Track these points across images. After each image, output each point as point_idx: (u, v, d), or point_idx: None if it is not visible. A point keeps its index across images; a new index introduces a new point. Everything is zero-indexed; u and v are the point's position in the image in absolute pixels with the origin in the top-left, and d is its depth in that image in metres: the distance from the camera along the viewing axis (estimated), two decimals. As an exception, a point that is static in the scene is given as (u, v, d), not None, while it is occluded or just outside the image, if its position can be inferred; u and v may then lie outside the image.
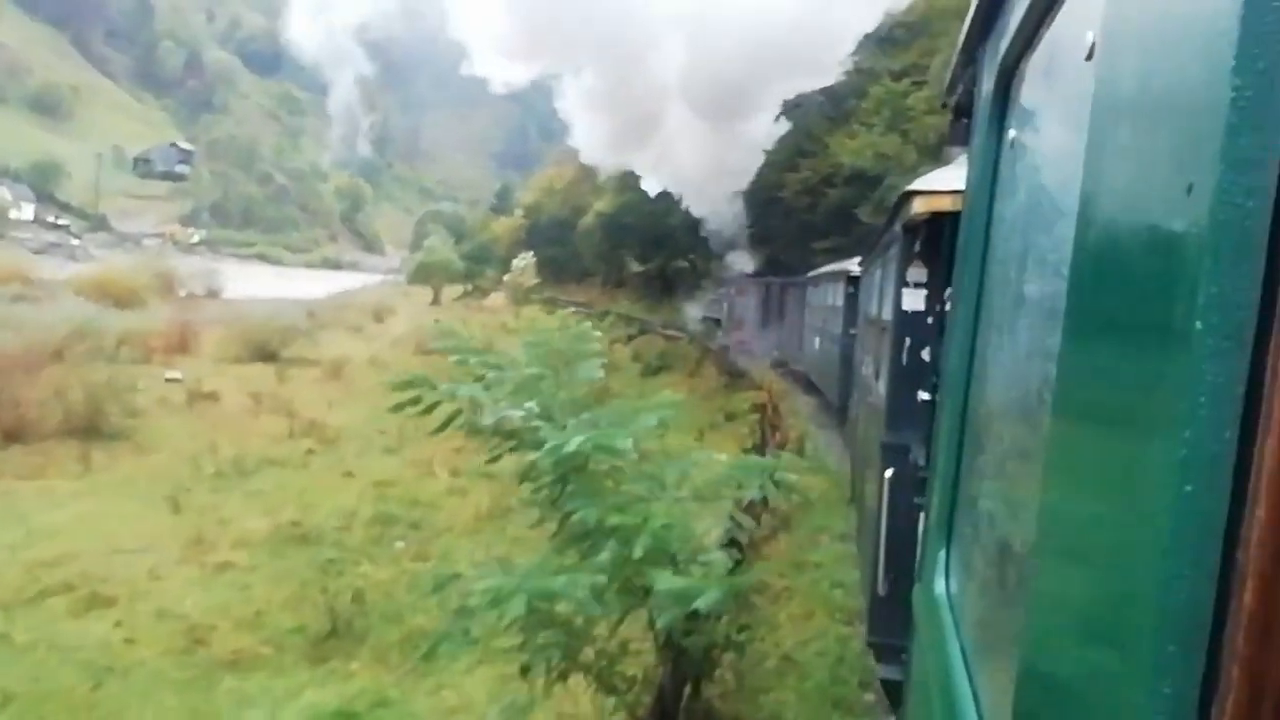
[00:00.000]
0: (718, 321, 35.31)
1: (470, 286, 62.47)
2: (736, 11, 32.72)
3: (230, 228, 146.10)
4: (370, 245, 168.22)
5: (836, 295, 15.61)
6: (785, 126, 32.73)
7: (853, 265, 13.93)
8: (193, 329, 27.43)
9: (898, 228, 5.95)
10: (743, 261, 35.22)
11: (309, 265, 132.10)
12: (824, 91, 31.47)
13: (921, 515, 3.47)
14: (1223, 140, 0.69)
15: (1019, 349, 1.55)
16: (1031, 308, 1.46)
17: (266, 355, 26.63)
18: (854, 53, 30.57)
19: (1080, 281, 1.07)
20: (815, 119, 31.76)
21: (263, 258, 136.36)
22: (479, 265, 76.89)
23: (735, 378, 24.58)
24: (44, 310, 26.61)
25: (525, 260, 48.54)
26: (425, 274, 70.04)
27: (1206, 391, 0.70)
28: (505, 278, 49.58)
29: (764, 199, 32.99)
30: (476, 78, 46.28)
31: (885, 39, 30.61)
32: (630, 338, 40.33)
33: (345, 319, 43.89)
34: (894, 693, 5.29)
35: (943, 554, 2.06)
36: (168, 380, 21.00)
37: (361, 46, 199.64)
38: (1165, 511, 0.73)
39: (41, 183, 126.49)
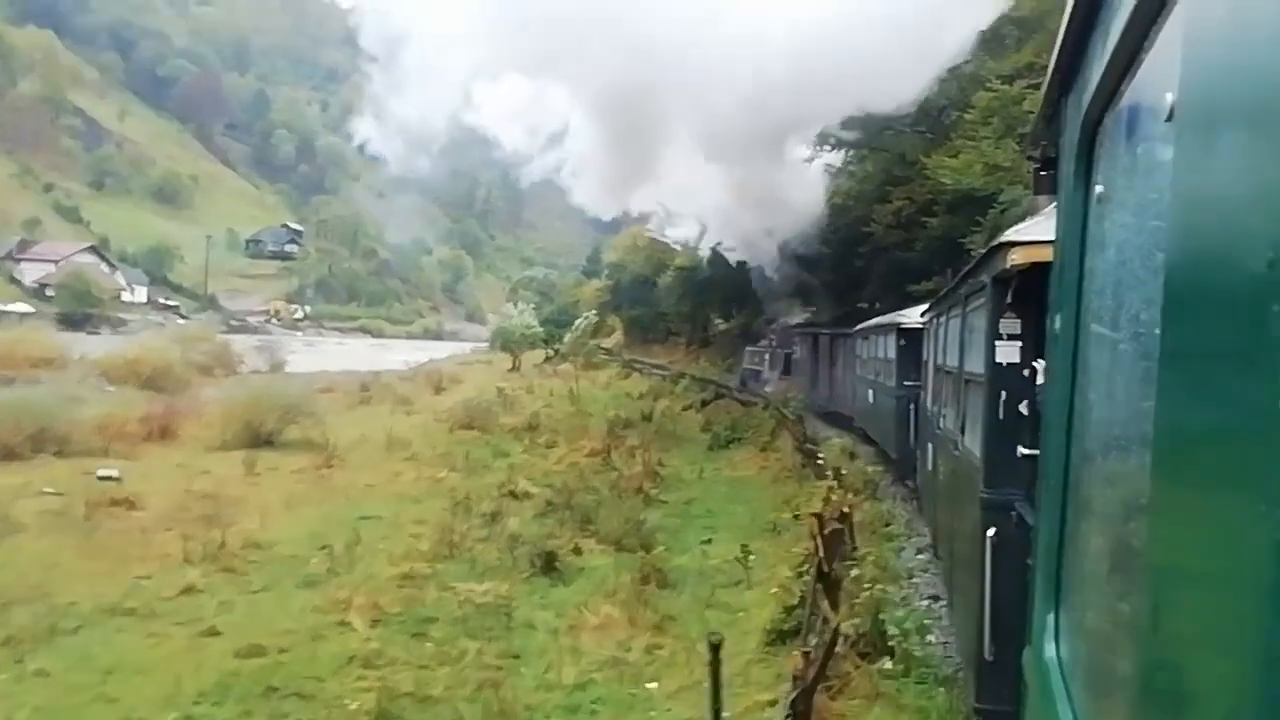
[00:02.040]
0: (757, 373, 35.39)
1: (551, 351, 58.82)
2: (790, 39, 28.18)
3: (335, 302, 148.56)
4: (471, 315, 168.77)
5: (888, 347, 15.02)
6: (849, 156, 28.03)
7: (904, 317, 13.80)
8: (182, 413, 23.88)
9: (985, 278, 5.75)
10: (824, 310, 30.10)
11: (410, 335, 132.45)
12: (918, 107, 26.41)
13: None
14: None
15: (1117, 407, 1.54)
16: (1126, 365, 1.47)
17: (259, 440, 22.74)
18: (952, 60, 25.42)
19: (1170, 350, 1.07)
20: (908, 140, 26.66)
21: (365, 330, 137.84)
22: (561, 329, 73.89)
23: (810, 455, 19.36)
24: (29, 392, 23.59)
25: (587, 320, 44.30)
26: (504, 340, 67.17)
27: None
28: (566, 339, 45.25)
29: (847, 237, 27.88)
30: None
31: (991, 39, 25.38)
32: (705, 403, 35.40)
33: (398, 391, 40.33)
34: None
35: (1051, 616, 2.02)
36: (100, 479, 17.19)
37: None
38: (1265, 591, 0.71)
39: (156, 267, 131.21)
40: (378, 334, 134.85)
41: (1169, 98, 1.10)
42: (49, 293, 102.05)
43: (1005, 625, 4.81)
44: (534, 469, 23.18)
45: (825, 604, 7.12)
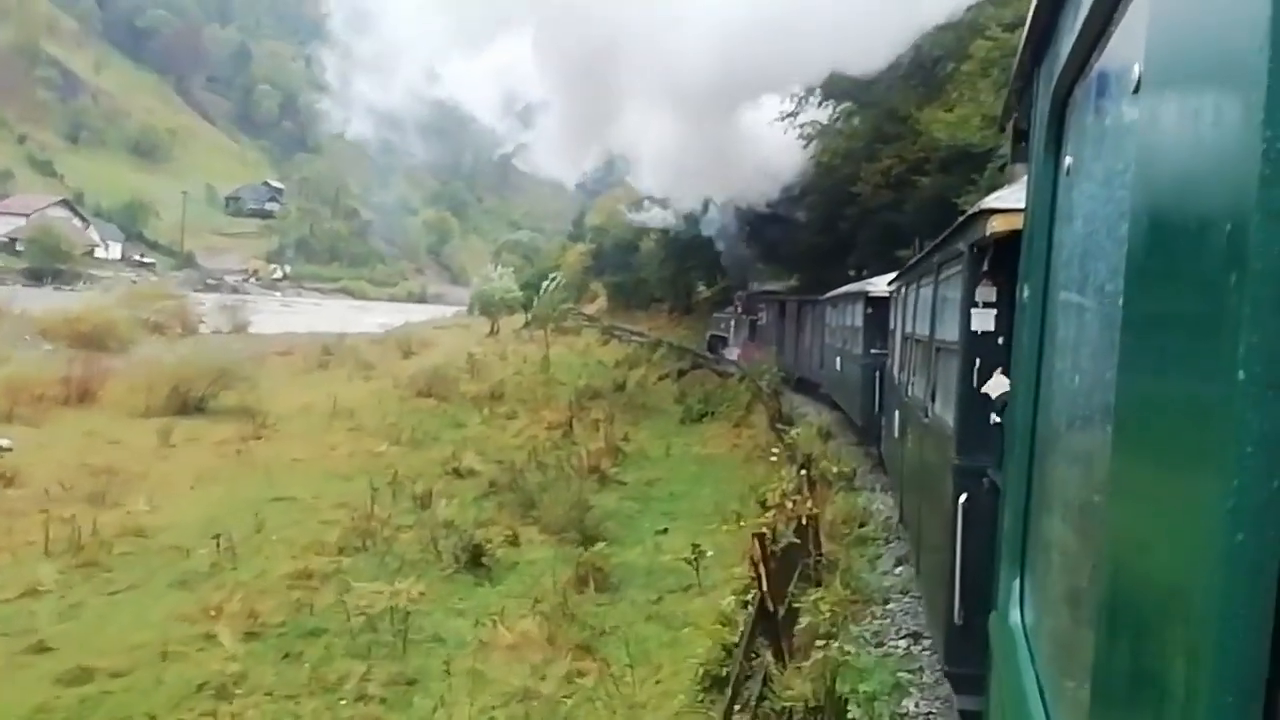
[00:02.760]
0: (724, 339, 35.48)
1: (530, 316, 56.91)
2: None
3: (316, 263, 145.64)
4: (456, 278, 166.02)
5: (856, 315, 15.02)
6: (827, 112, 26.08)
7: (872, 285, 13.85)
8: (109, 376, 21.92)
9: (961, 245, 5.78)
10: (808, 277, 28.26)
11: (393, 298, 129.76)
12: (911, 59, 24.37)
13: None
14: (1258, 191, 0.69)
15: (1083, 375, 1.55)
16: (1092, 335, 1.49)
17: (188, 406, 20.85)
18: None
19: (1133, 319, 1.09)
20: (899, 94, 24.64)
21: (346, 292, 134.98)
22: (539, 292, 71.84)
23: (784, 429, 17.60)
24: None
25: (554, 283, 42.23)
26: (483, 304, 65.11)
27: (1253, 440, 0.70)
28: (534, 304, 43.26)
29: (833, 199, 25.96)
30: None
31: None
32: (681, 373, 33.63)
33: (363, 355, 38.35)
34: None
35: (1017, 583, 2.04)
36: (-16, 449, 15.32)
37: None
38: (1218, 560, 0.73)
39: (131, 223, 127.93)
40: (359, 296, 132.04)
41: (1136, 69, 1.13)
42: (19, 247, 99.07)
43: (975, 590, 4.86)
44: (488, 443, 21.41)
45: (769, 654, 5.37)
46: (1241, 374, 0.70)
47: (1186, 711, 0.79)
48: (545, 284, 41.41)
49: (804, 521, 7.97)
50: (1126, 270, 1.12)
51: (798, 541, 7.43)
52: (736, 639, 6.05)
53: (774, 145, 28.61)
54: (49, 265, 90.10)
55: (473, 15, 40.63)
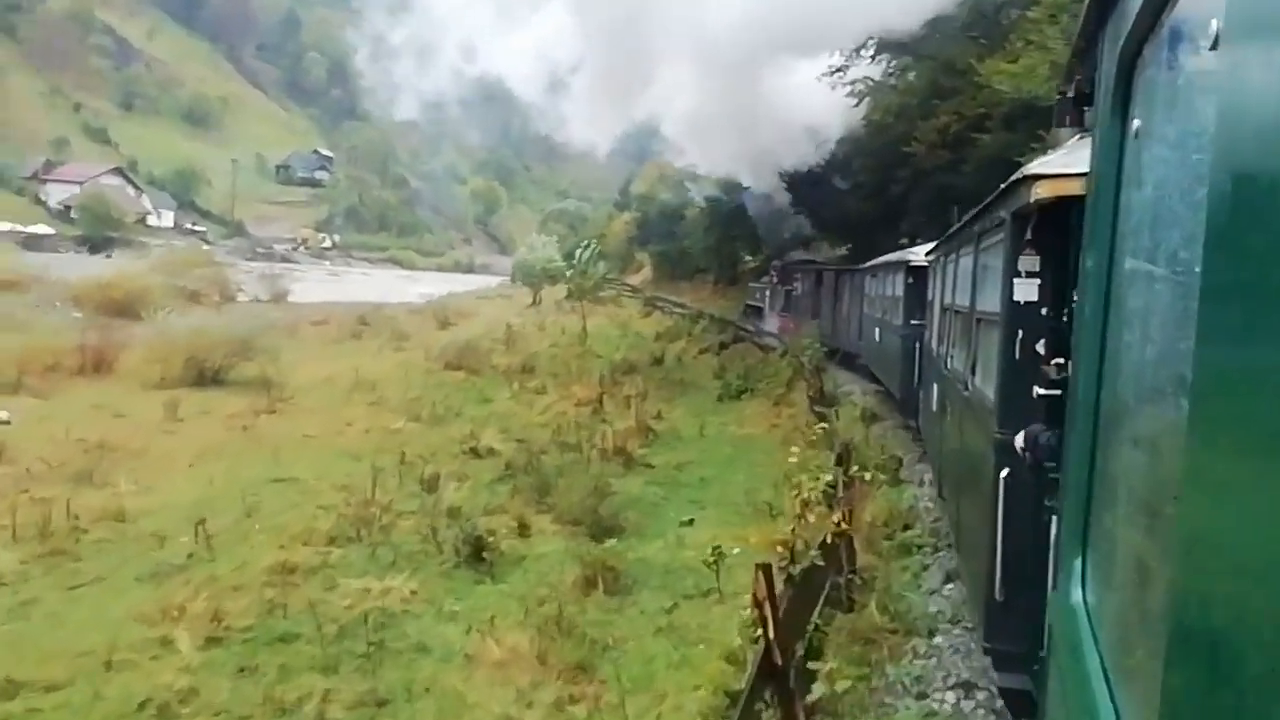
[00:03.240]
0: (759, 309, 35.27)
1: (573, 286, 55.85)
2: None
3: (365, 232, 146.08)
4: (504, 248, 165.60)
5: (896, 285, 14.75)
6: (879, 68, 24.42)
7: (913, 254, 13.61)
8: (128, 345, 21.27)
9: (1003, 213, 5.60)
10: (859, 244, 26.64)
11: (440, 268, 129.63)
12: (971, 6, 22.55)
13: (1054, 518, 3.65)
14: None
15: (1153, 347, 1.51)
16: (1164, 305, 1.44)
17: (204, 378, 20.11)
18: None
19: (1213, 288, 1.05)
20: (957, 46, 22.81)
21: (394, 261, 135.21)
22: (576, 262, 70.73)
23: (824, 411, 16.27)
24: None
25: (589, 251, 40.94)
26: (525, 274, 64.25)
27: None
28: (568, 274, 42.06)
29: (885, 161, 24.29)
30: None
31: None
32: (723, 345, 32.30)
33: (398, 326, 37.60)
34: (1014, 701, 5.06)
35: (1079, 562, 1.99)
36: (-18, 422, 14.64)
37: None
38: None
39: (183, 191, 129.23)
40: (408, 265, 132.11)
41: (1214, 25, 1.09)
42: (73, 215, 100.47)
43: (1016, 566, 4.80)
44: (513, 419, 20.38)
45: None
46: None
47: (1265, 700, 0.76)
48: (579, 252, 40.09)
49: (829, 539, 6.69)
50: (1206, 237, 1.06)
51: (821, 564, 6.16)
52: (742, 684, 4.85)
53: (819, 105, 26.99)
54: (101, 233, 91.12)
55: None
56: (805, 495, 7.03)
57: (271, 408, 18.47)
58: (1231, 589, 0.93)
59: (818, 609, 6.27)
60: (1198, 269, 1.10)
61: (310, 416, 18.32)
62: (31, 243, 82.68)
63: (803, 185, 32.03)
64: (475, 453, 16.53)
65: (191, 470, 13.68)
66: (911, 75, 24.58)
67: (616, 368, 28.18)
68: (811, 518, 6.88)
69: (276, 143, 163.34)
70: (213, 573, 9.63)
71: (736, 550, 11.05)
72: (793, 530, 6.50)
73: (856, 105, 27.07)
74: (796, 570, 5.79)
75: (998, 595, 4.95)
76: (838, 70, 25.86)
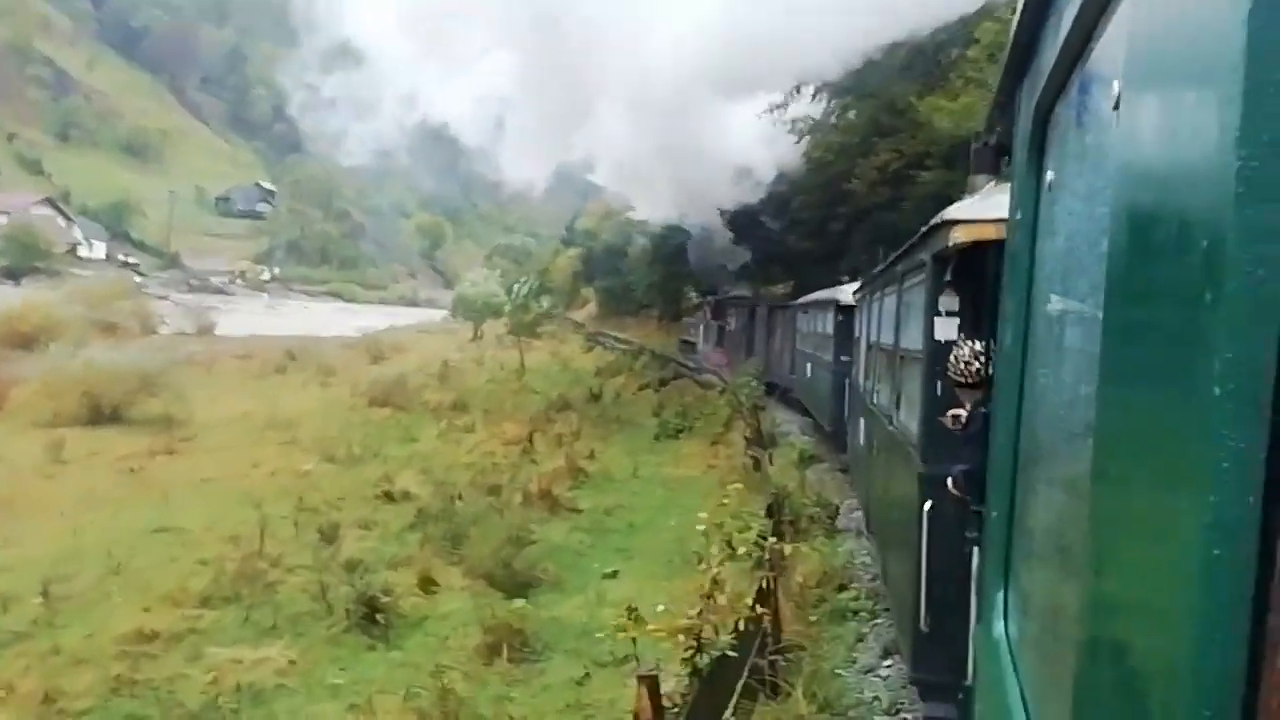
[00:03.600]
0: (693, 344, 36.33)
1: (511, 321, 54.80)
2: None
3: (306, 265, 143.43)
4: (450, 282, 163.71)
5: (826, 323, 15.00)
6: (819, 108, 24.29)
7: (842, 293, 13.64)
8: (21, 381, 19.76)
9: (924, 255, 5.79)
10: (801, 281, 26.15)
11: (384, 302, 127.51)
12: (910, 47, 22.35)
13: (974, 549, 3.79)
14: (1233, 210, 0.70)
15: (1066, 388, 1.55)
16: (1074, 347, 1.50)
17: (102, 416, 18.69)
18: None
19: (1112, 333, 1.09)
20: (897, 85, 22.59)
21: (336, 295, 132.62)
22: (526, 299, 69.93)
23: (763, 448, 15.50)
24: None
25: (526, 286, 40.05)
26: (466, 308, 63.09)
27: (1229, 457, 0.70)
28: (506, 309, 41.11)
29: (825, 199, 23.88)
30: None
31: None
32: (663, 382, 31.54)
33: (327, 360, 36.19)
34: None
35: (1001, 594, 2.03)
36: None
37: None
38: (1196, 575, 0.74)
39: (117, 222, 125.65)
40: (349, 299, 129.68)
41: (1115, 85, 1.13)
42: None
43: (941, 597, 4.84)
44: (436, 459, 19.28)
45: None
46: (1217, 390, 0.70)
47: None
48: (516, 287, 39.21)
49: (745, 626, 5.80)
50: (1106, 285, 1.12)
51: (733, 654, 5.27)
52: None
53: (755, 145, 26.69)
54: (26, 263, 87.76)
55: (448, 37, 39.23)
56: (715, 572, 6.14)
57: (170, 448, 17.15)
58: (1137, 623, 0.95)
59: (733, 701, 5.38)
60: (1099, 314, 1.14)
61: (213, 457, 17.02)
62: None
63: (743, 224, 31.70)
64: (389, 497, 15.41)
65: (64, 520, 12.37)
66: (851, 114, 24.29)
67: (553, 404, 27.23)
68: (722, 598, 6.00)
69: (219, 176, 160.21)
70: (57, 642, 8.41)
71: (661, 607, 10.14)
72: (699, 612, 5.60)
73: (798, 143, 26.74)
74: (705, 660, 4.92)
75: (923, 626, 5.02)
76: (778, 107, 25.49)
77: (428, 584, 11.05)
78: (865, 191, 21.56)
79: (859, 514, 11.60)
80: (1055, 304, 1.67)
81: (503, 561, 11.36)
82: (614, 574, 11.87)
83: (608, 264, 62.78)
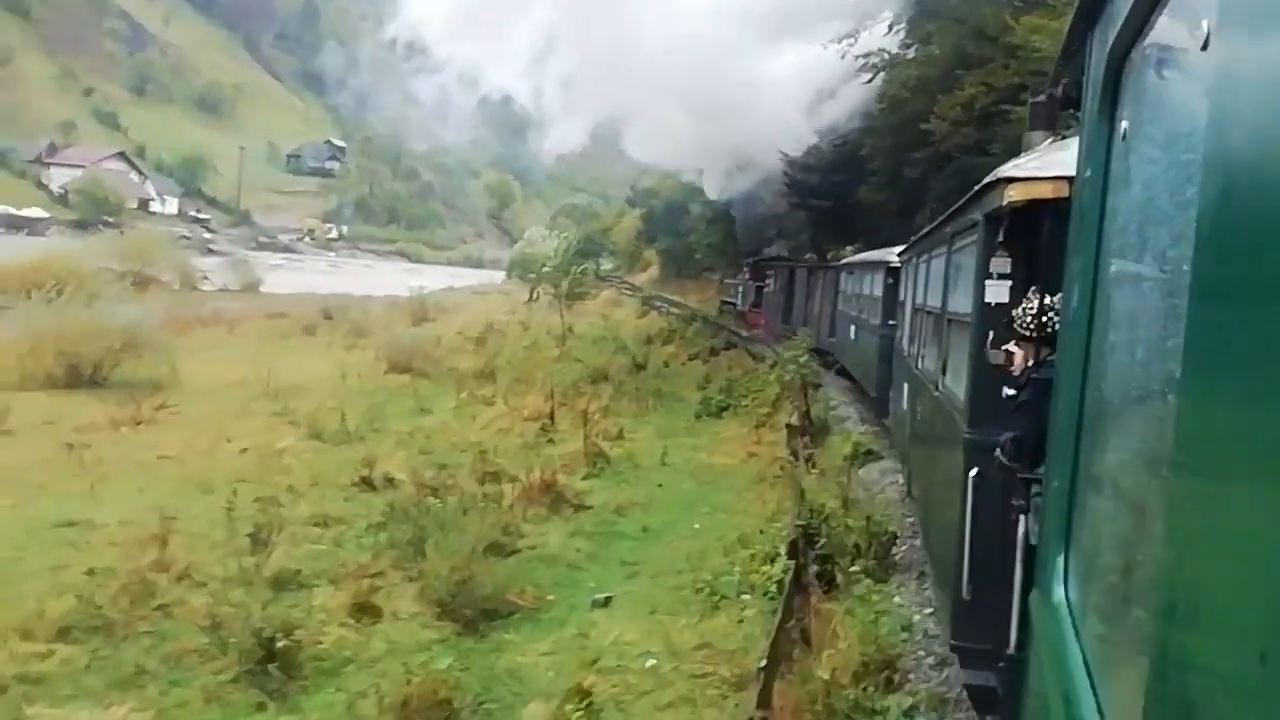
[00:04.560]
0: (733, 305, 36.20)
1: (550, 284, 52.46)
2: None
3: (374, 224, 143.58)
4: (516, 242, 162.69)
5: (875, 285, 14.64)
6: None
7: (892, 255, 13.42)
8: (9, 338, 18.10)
9: (976, 215, 5.64)
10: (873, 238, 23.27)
11: (450, 262, 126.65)
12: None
13: (1020, 517, 3.89)
14: None
15: (1141, 348, 1.51)
16: (1152, 305, 1.45)
17: (80, 378, 16.91)
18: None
19: (1203, 288, 1.05)
20: (988, 9, 19.29)
21: (402, 254, 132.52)
22: (587, 259, 67.64)
23: (811, 437, 12.84)
24: None
25: (564, 243, 37.42)
26: (522, 269, 60.95)
27: None
28: (542, 270, 38.65)
29: (900, 142, 20.78)
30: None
31: None
32: (714, 352, 28.91)
33: (362, 322, 34.34)
34: (981, 698, 5.10)
35: (1061, 560, 2.01)
36: None
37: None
38: None
39: (191, 178, 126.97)
40: (416, 258, 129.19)
41: (1205, 25, 1.08)
42: (69, 199, 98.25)
43: (984, 564, 4.81)
44: (442, 437, 17.05)
45: None
46: None
47: (1264, 678, 0.76)
48: (556, 245, 36.77)
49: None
50: (1196, 236, 1.06)
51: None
52: None
53: (819, 88, 23.82)
54: (97, 217, 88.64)
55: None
56: None
57: (140, 418, 15.20)
58: (1216, 587, 0.93)
59: None
60: (1186, 268, 1.10)
61: (183, 431, 15.04)
62: (21, 225, 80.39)
63: (803, 179, 28.86)
64: (369, 484, 13.18)
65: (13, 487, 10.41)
66: (934, 44, 21.02)
67: (590, 375, 24.83)
68: None
69: (290, 132, 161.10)
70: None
71: (652, 661, 7.67)
72: None
73: (869, 81, 23.61)
74: None
75: (965, 594, 4.93)
76: (846, 38, 22.36)
77: (367, 611, 8.73)
78: (946, 133, 18.45)
79: (923, 542, 8.93)
80: (1130, 258, 1.62)
81: (463, 581, 8.97)
82: (607, 601, 9.40)
83: (669, 225, 60.01)
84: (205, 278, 42.13)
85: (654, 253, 70.69)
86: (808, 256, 31.00)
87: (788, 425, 13.38)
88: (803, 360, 18.65)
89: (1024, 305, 4.59)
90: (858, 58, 23.51)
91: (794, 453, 12.19)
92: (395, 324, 36.19)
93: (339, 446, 15.20)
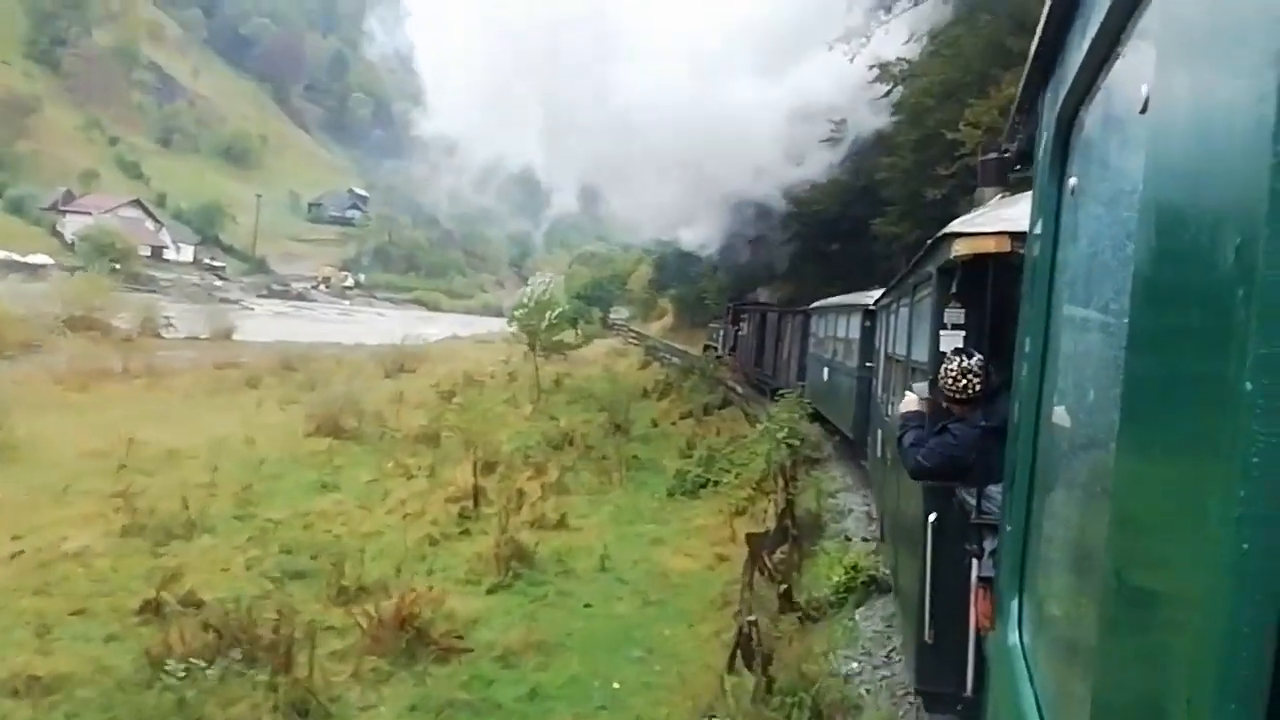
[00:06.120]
0: (715, 349, 36.85)
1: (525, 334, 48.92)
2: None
3: (392, 272, 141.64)
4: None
5: (852, 327, 14.68)
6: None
7: (869, 297, 13.53)
8: None
9: (930, 268, 5.87)
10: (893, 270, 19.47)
11: (469, 311, 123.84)
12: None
13: (973, 561, 3.85)
14: (1267, 205, 0.70)
15: (1087, 397, 1.55)
16: (1096, 355, 1.50)
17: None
18: None
19: (1139, 337, 1.10)
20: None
21: (419, 302, 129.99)
22: (593, 306, 64.22)
23: (803, 532, 8.77)
24: None
25: (543, 288, 33.52)
26: (526, 317, 57.60)
27: (1259, 451, 0.71)
28: (515, 314, 34.81)
29: (921, 159, 16.91)
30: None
31: None
32: (707, 409, 24.96)
33: (321, 375, 30.71)
34: None
35: (1015, 603, 2.03)
36: None
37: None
38: (1225, 570, 0.74)
39: (208, 226, 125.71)
40: (433, 307, 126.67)
41: (1144, 89, 1.13)
42: (74, 245, 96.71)
43: (944, 608, 4.89)
44: (324, 526, 13.21)
45: None
46: (1249, 384, 0.71)
47: None
48: (527, 289, 33.16)
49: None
50: (1133, 288, 1.12)
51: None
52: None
53: (815, 115, 20.43)
54: (101, 264, 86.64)
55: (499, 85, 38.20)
56: None
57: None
58: (1160, 631, 0.95)
59: None
60: (1125, 320, 1.15)
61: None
62: (20, 270, 78.47)
63: (804, 219, 25.49)
64: (157, 610, 9.28)
65: None
66: (962, 40, 17.19)
67: (563, 436, 20.97)
68: None
69: (315, 181, 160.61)
70: None
71: None
72: None
73: (887, 94, 19.86)
74: None
75: (927, 637, 5.03)
76: (857, 39, 18.64)
77: None
78: (979, 142, 14.53)
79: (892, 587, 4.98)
80: (1078, 310, 1.70)
81: None
82: None
83: (680, 271, 56.79)
84: (169, 324, 38.81)
85: (667, 300, 68.02)
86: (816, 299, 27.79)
87: (748, 537, 9.20)
88: (797, 426, 14.68)
89: (944, 366, 4.66)
90: (870, 67, 19.83)
91: (760, 576, 8.07)
92: (359, 377, 32.55)
93: (159, 547, 11.33)
